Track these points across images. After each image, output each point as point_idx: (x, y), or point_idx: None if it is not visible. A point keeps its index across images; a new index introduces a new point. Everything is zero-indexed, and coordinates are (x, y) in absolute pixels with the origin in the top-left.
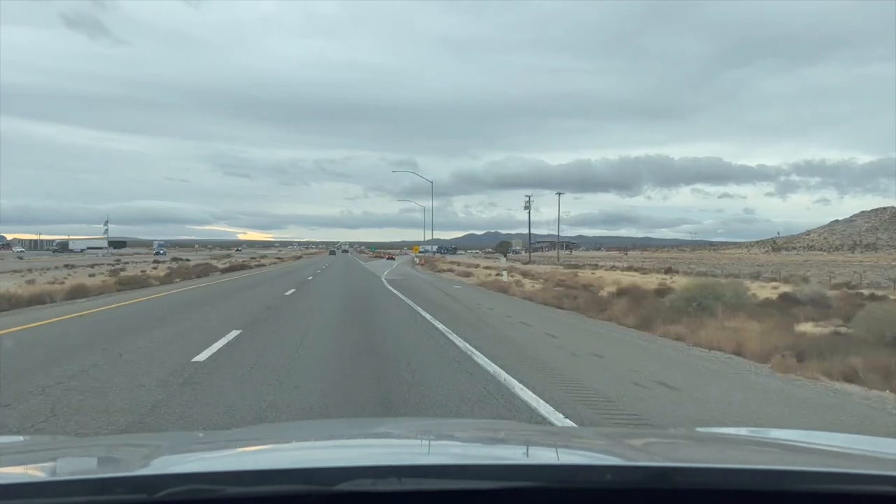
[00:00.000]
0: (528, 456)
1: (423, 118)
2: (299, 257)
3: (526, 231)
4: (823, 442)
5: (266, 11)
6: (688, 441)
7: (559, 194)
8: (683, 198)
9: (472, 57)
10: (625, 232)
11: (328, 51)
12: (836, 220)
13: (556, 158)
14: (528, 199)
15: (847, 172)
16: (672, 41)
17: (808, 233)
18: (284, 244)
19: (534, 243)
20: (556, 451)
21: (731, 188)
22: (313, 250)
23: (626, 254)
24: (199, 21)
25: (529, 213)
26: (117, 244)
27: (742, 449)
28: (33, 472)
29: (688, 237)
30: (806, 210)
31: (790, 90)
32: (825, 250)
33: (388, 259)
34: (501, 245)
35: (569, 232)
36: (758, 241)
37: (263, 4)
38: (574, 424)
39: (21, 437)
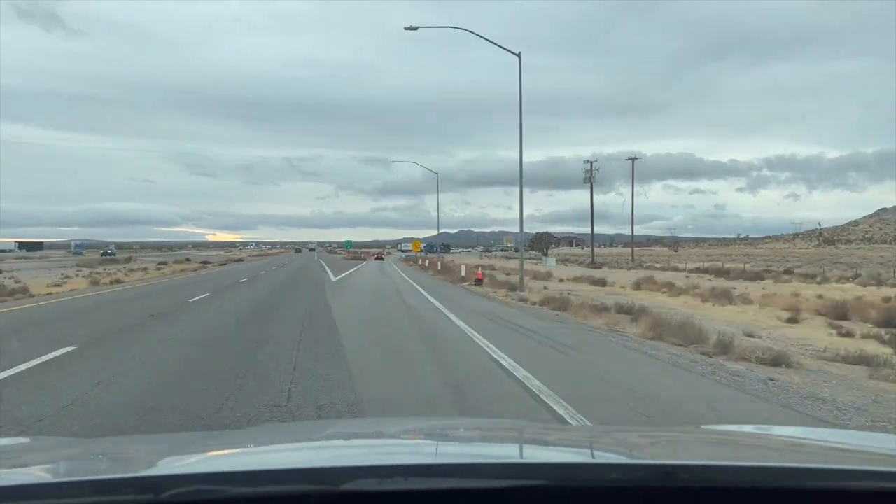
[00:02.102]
0: (532, 454)
1: (395, 115)
2: (236, 261)
3: (500, 229)
4: (826, 439)
5: (233, 6)
6: (692, 438)
7: (633, 161)
8: (655, 194)
9: (445, 53)
10: (597, 228)
11: (298, 47)
12: (884, 209)
13: (530, 156)
14: (589, 167)
15: (817, 167)
16: (644, 38)
17: (855, 223)
18: (246, 244)
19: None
20: (561, 450)
21: (703, 184)
22: (277, 250)
23: (677, 251)
24: (162, 15)
25: (592, 186)
26: (32, 246)
27: (746, 446)
28: (39, 474)
29: (663, 234)
30: (776, 205)
31: (762, 86)
32: (888, 243)
33: (376, 260)
34: (539, 240)
35: (540, 228)
36: (797, 234)
37: (231, 1)
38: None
39: (26, 439)
